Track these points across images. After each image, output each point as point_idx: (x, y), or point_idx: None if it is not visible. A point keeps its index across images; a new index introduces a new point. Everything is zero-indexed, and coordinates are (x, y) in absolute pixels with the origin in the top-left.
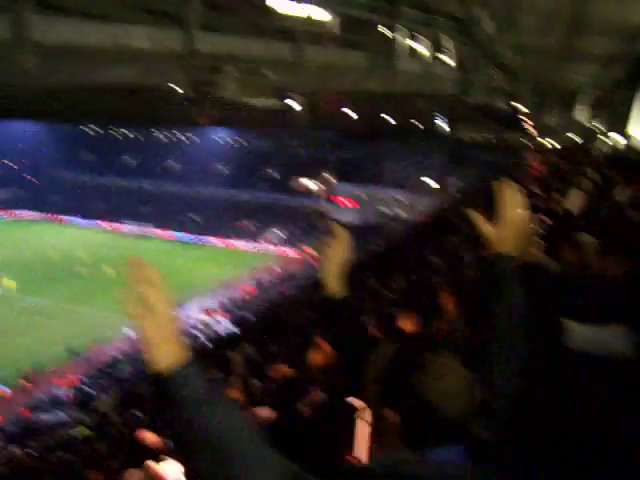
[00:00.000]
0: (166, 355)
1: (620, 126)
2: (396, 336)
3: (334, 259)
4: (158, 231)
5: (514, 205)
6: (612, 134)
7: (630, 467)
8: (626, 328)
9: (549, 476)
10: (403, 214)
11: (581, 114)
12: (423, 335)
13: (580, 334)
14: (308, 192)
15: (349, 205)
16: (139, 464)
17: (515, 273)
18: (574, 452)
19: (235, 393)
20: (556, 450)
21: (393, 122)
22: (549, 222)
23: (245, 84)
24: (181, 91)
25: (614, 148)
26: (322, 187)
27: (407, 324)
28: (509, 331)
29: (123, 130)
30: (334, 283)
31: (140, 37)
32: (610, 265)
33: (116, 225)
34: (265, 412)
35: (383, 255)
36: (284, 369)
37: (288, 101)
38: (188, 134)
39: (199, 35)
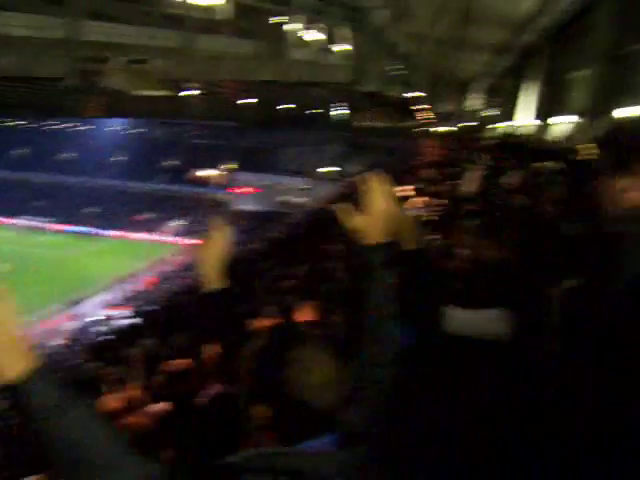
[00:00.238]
0: (13, 366)
1: (510, 113)
2: (274, 329)
3: (213, 253)
4: (53, 225)
5: (380, 195)
6: (503, 120)
7: (503, 444)
8: (503, 311)
9: (420, 460)
10: (303, 201)
11: (475, 102)
12: (293, 327)
13: (457, 319)
14: (207, 182)
15: (249, 194)
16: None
17: (385, 262)
18: (448, 436)
19: (134, 389)
20: (428, 434)
21: (291, 110)
22: (443, 207)
23: (134, 74)
24: (67, 81)
25: (505, 134)
26: (221, 176)
27: (305, 314)
28: (380, 319)
29: (13, 121)
30: (213, 277)
31: (21, 25)
32: (490, 249)
33: (9, 220)
34: (161, 407)
35: (283, 243)
36: (180, 362)
37: (182, 91)
38: (82, 125)
39: (85, 23)
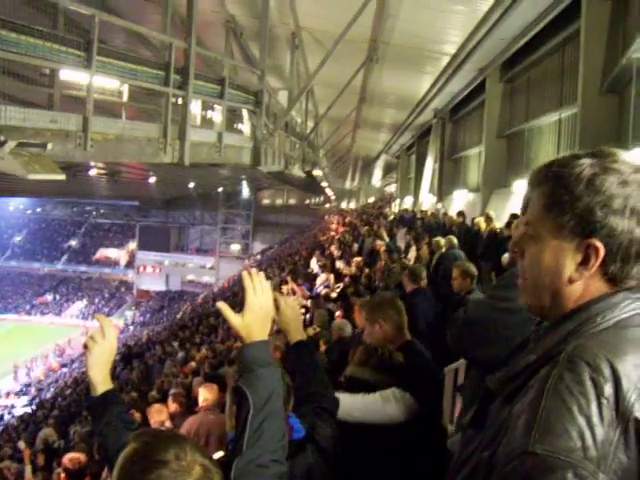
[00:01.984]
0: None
1: (409, 188)
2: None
3: (100, 351)
4: None
5: (257, 290)
6: (403, 196)
7: None
8: (399, 391)
9: None
10: (208, 280)
11: (376, 178)
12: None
13: (348, 405)
14: (111, 262)
15: (153, 273)
16: None
17: (265, 360)
18: None
19: None
20: None
21: (195, 189)
22: (344, 284)
23: (27, 158)
24: None
25: (403, 209)
26: (125, 256)
27: (209, 394)
28: (264, 419)
29: None
30: (101, 376)
31: None
32: (385, 327)
33: None
34: None
35: (188, 323)
36: (79, 457)
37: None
38: None
39: None
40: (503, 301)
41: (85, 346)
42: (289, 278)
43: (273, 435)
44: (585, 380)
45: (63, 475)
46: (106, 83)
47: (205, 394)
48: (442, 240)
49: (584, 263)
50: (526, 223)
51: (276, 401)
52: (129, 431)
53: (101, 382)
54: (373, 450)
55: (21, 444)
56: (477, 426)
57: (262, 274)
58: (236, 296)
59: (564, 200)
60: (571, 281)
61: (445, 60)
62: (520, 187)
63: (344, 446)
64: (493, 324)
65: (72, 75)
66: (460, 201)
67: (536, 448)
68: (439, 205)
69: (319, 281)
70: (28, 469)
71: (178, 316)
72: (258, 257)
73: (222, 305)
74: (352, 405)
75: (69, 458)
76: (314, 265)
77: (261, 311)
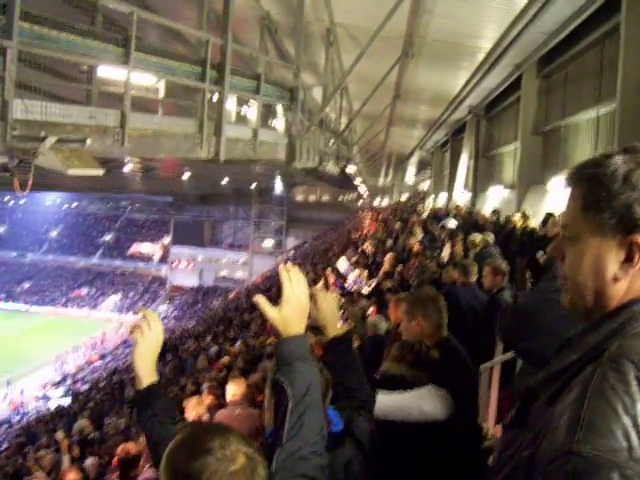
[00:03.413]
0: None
1: (444, 185)
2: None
3: (147, 344)
4: None
5: (294, 284)
6: (438, 193)
7: None
8: (436, 388)
9: None
10: (241, 275)
11: (409, 175)
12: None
13: (384, 405)
14: (145, 256)
15: (187, 268)
16: None
17: (303, 354)
18: None
19: (72, 474)
20: None
21: (229, 185)
22: (378, 280)
23: (66, 154)
24: None
25: (438, 206)
26: (159, 251)
27: (237, 388)
28: (302, 412)
29: None
30: (147, 369)
31: None
32: (421, 324)
33: None
34: None
35: (222, 318)
36: (129, 447)
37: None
38: (15, 198)
39: (15, 101)
40: (553, 292)
41: (132, 333)
42: (329, 271)
43: (313, 427)
44: (630, 380)
45: (115, 459)
46: (143, 79)
47: (233, 389)
48: (478, 238)
49: (628, 260)
50: (563, 227)
51: (314, 393)
52: (173, 424)
53: (146, 374)
54: (409, 448)
55: (59, 434)
56: (519, 425)
57: (296, 266)
58: (269, 291)
59: (602, 198)
60: (615, 279)
61: (481, 56)
62: (556, 185)
63: (381, 443)
64: (541, 314)
65: (109, 72)
66: (495, 198)
67: (580, 448)
68: (457, 202)
69: (351, 277)
70: (66, 459)
71: (212, 311)
72: (291, 253)
73: (260, 299)
74: (389, 404)
75: (121, 448)
76: (342, 263)
77: (298, 304)
